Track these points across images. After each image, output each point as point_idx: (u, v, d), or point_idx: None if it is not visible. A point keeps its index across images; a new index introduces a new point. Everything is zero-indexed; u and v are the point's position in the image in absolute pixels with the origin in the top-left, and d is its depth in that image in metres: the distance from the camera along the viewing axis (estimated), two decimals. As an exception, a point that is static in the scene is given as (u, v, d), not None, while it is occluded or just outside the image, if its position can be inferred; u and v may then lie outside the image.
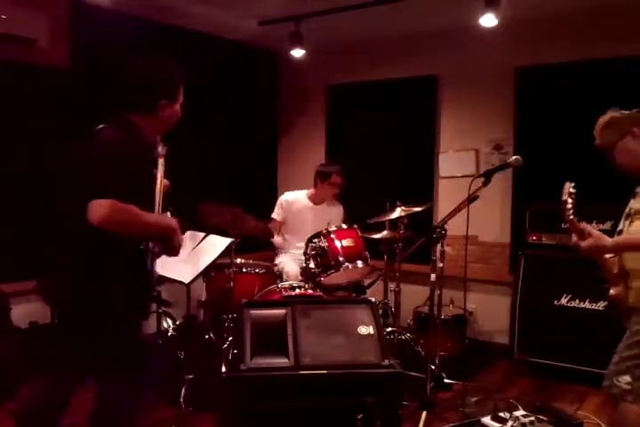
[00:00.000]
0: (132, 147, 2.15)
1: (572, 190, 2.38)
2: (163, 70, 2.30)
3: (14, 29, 3.85)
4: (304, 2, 4.26)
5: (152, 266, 2.21)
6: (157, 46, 4.65)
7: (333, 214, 4.48)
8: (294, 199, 4.48)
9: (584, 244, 2.33)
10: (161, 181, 2.29)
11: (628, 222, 2.41)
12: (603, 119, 2.49)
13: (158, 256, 2.28)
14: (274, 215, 4.50)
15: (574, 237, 2.40)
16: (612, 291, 2.48)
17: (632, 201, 2.45)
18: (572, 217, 2.35)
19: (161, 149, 2.29)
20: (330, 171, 4.36)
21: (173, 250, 2.28)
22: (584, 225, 2.35)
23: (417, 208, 4.00)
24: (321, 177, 4.39)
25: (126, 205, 2.01)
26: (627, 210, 2.45)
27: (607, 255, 2.47)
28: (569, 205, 2.35)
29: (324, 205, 4.50)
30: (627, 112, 2.45)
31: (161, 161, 2.39)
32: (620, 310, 2.46)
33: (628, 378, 2.26)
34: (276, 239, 4.53)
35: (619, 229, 2.47)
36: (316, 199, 4.48)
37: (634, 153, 2.40)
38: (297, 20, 4.52)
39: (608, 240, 2.30)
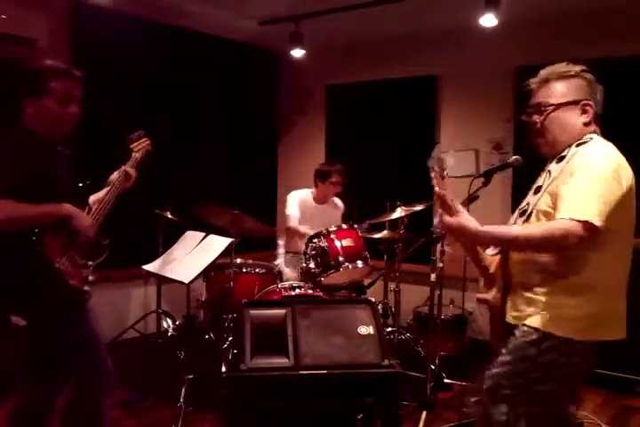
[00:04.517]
0: (16, 147, 2.20)
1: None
2: (25, 70, 2.33)
3: (14, 29, 3.86)
4: (304, 2, 4.26)
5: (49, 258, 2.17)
6: (157, 46, 4.65)
7: (335, 215, 4.48)
8: (304, 198, 4.42)
9: (451, 219, 1.90)
10: (119, 178, 2.43)
11: (522, 221, 2.00)
12: (564, 69, 2.00)
13: (83, 243, 2.28)
14: (290, 211, 4.28)
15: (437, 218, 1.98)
16: (485, 295, 2.09)
17: (543, 181, 2.02)
18: (438, 189, 1.94)
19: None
20: (329, 170, 4.32)
21: (81, 234, 2.26)
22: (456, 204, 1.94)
23: (417, 208, 4.00)
24: (320, 177, 4.35)
25: None
26: (523, 205, 2.04)
27: (489, 251, 2.09)
28: (434, 174, 1.97)
29: (327, 204, 4.49)
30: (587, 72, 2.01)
31: (135, 156, 2.55)
32: (493, 320, 2.10)
33: (504, 408, 1.93)
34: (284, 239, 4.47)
35: (510, 223, 2.08)
36: (319, 199, 4.47)
37: (567, 126, 1.99)
38: (297, 20, 4.53)
39: (473, 224, 1.88)
